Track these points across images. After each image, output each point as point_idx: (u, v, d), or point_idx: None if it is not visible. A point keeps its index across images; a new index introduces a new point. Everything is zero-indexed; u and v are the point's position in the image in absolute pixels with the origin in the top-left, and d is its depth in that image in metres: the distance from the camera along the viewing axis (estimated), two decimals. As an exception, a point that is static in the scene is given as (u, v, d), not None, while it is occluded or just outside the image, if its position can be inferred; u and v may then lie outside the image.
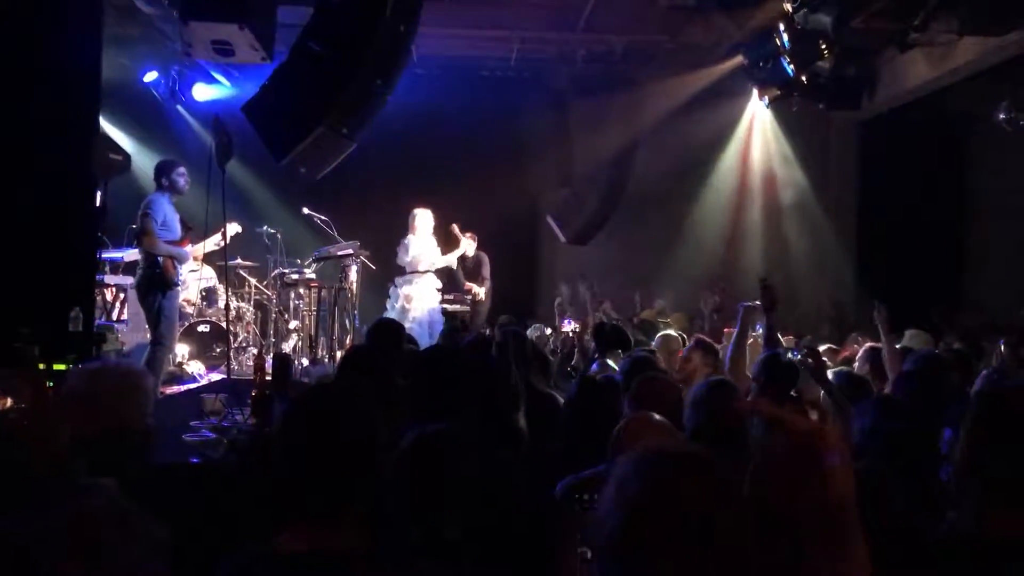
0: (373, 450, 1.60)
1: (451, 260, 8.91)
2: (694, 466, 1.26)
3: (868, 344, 5.27)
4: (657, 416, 2.65)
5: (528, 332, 6.91)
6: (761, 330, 4.76)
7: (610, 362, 5.04)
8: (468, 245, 9.30)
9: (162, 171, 6.46)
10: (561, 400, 3.91)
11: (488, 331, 7.52)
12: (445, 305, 8.81)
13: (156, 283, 6.24)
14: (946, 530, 1.86)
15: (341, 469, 1.55)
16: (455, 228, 9.11)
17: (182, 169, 6.51)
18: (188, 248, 6.56)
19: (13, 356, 3.91)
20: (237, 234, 7.74)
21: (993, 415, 1.81)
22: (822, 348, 5.36)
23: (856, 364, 4.80)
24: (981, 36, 8.05)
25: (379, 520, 1.60)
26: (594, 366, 5.18)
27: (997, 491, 1.73)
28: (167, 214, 6.37)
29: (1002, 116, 8.43)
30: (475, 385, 3.12)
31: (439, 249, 8.67)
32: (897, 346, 5.45)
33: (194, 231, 6.68)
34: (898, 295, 9.65)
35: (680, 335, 5.99)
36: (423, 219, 8.49)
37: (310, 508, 1.54)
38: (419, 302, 8.37)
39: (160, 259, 6.23)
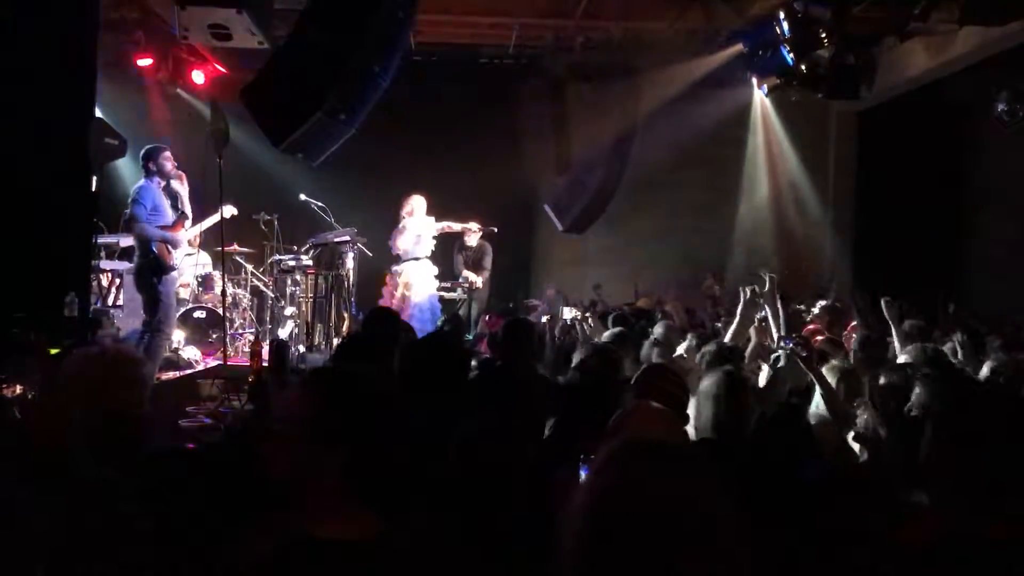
0: (417, 442, 1.59)
1: (442, 227, 8.77)
2: (674, 460, 1.21)
3: (863, 333, 5.25)
4: (656, 404, 2.64)
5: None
6: (762, 313, 4.78)
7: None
8: (474, 236, 9.43)
9: (148, 157, 6.45)
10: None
11: (489, 317, 7.52)
12: (442, 292, 8.81)
13: (152, 269, 6.26)
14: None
15: (386, 458, 1.54)
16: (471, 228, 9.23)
17: (168, 154, 6.50)
18: (182, 232, 6.55)
19: (25, 344, 3.89)
20: (233, 216, 7.72)
21: (962, 418, 1.83)
22: (819, 340, 5.35)
23: (853, 351, 4.79)
24: (981, 26, 8.02)
25: (414, 508, 1.58)
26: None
27: (967, 491, 1.74)
28: (156, 200, 6.37)
29: (1001, 107, 8.40)
30: (477, 372, 3.11)
31: (434, 227, 8.61)
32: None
33: (187, 216, 6.65)
34: (895, 285, 9.72)
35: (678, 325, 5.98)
36: (418, 204, 8.47)
37: (350, 493, 1.52)
38: (419, 288, 8.36)
39: (154, 245, 6.26)
